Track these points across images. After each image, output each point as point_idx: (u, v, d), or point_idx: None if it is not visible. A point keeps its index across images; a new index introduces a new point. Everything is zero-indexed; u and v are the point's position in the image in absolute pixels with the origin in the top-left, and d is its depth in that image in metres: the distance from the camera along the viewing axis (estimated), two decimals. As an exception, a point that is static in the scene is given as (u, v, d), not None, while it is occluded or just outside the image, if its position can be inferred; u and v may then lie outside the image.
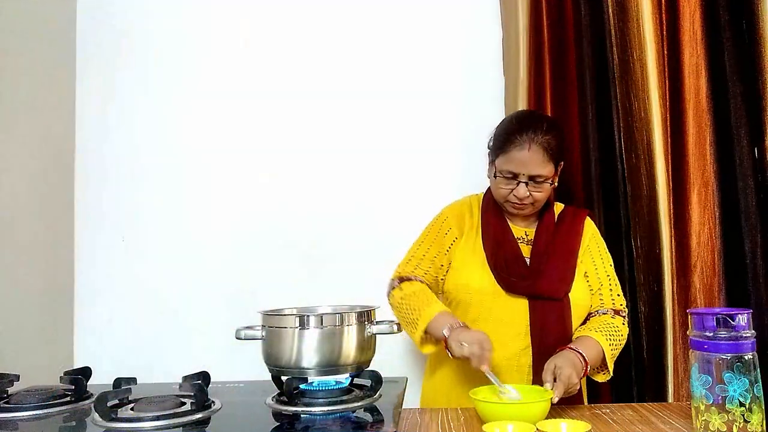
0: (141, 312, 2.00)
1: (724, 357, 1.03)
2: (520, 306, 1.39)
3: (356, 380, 1.19)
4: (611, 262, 1.52)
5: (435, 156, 1.93)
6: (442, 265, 1.49)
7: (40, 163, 1.92)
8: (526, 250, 1.46)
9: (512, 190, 1.41)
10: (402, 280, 1.47)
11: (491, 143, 1.50)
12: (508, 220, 1.49)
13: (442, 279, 1.50)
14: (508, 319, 1.39)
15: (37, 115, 1.91)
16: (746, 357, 1.03)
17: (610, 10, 1.76)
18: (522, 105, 1.80)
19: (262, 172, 2.01)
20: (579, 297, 1.42)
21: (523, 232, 1.49)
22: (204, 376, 1.23)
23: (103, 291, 2.02)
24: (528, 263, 1.44)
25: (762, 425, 1.03)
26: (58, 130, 2.02)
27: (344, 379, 1.14)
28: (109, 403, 1.03)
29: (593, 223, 1.55)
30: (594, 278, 1.47)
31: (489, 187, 1.53)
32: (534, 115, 1.54)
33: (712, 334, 1.05)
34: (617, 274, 1.60)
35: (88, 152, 2.07)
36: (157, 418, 0.98)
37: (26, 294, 1.82)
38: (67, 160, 2.05)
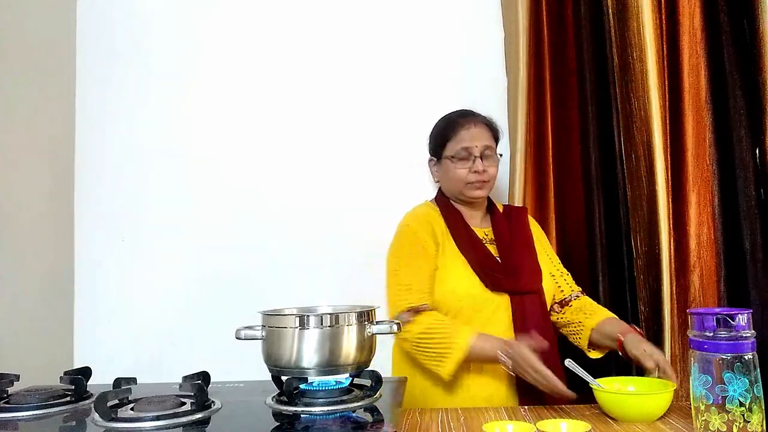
0: (141, 312, 2.00)
1: (724, 357, 1.03)
2: (503, 303, 1.45)
3: (356, 380, 1.19)
4: (553, 250, 1.65)
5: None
6: (430, 276, 1.47)
7: (40, 163, 1.92)
8: (492, 249, 1.51)
9: (469, 168, 1.50)
10: (416, 312, 1.41)
11: (432, 145, 1.60)
12: (468, 221, 1.56)
13: (433, 289, 1.48)
14: (494, 318, 1.44)
15: (37, 115, 1.91)
16: (746, 357, 1.03)
17: (610, 10, 1.76)
18: (522, 105, 1.80)
19: (263, 172, 2.02)
20: (547, 287, 1.51)
21: (483, 232, 1.55)
22: (204, 376, 1.23)
23: (103, 291, 2.02)
24: (499, 261, 1.50)
25: (762, 425, 1.03)
26: (57, 130, 2.02)
27: (344, 379, 1.14)
28: (109, 403, 1.03)
29: (532, 217, 1.67)
30: (553, 268, 1.58)
31: (437, 196, 1.60)
32: (469, 110, 1.62)
33: (712, 334, 1.05)
34: (617, 274, 1.68)
35: (88, 152, 2.07)
36: (157, 418, 0.98)
37: (26, 294, 1.82)
38: (67, 160, 2.05)
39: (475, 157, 1.49)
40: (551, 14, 1.84)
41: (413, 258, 1.47)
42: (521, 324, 1.42)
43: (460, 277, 1.46)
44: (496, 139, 1.57)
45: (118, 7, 2.10)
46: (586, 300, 1.57)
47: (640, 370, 1.67)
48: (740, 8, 1.67)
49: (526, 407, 1.32)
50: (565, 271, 1.62)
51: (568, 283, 1.59)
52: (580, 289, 1.60)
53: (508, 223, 1.58)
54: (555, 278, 1.57)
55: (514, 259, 1.49)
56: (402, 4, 2.03)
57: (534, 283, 1.48)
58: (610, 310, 1.72)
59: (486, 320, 1.43)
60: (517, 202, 1.78)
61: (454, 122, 1.54)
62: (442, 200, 1.59)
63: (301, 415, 1.04)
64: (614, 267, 1.75)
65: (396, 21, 2.02)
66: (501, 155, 1.57)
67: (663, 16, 1.73)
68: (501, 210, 1.63)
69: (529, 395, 1.37)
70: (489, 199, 1.62)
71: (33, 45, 1.89)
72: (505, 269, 1.47)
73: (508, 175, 1.84)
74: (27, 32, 1.87)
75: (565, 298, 1.57)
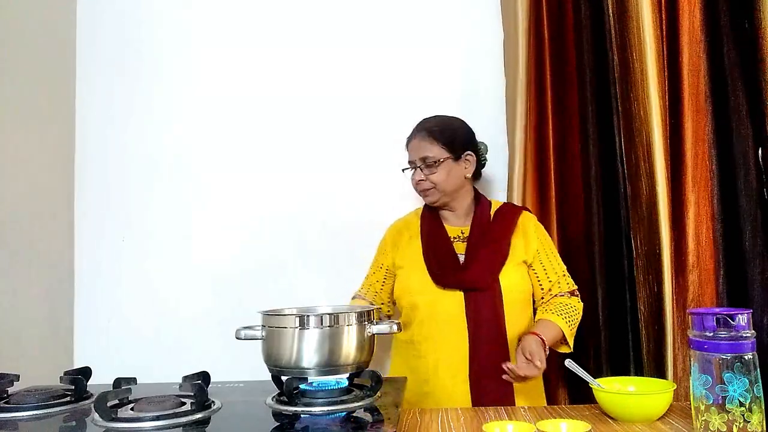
0: (141, 312, 2.00)
1: (724, 357, 1.03)
2: (456, 299, 1.48)
3: (356, 380, 1.19)
4: (555, 250, 1.64)
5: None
6: (377, 281, 1.67)
7: (41, 163, 1.92)
8: (462, 248, 1.56)
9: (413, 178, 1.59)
10: (353, 298, 1.67)
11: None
12: (443, 221, 1.61)
13: (380, 290, 1.66)
14: (448, 315, 1.49)
15: (38, 115, 1.91)
16: (746, 357, 1.03)
17: (610, 10, 1.76)
18: (521, 105, 1.80)
19: (263, 173, 2.02)
20: (512, 284, 1.51)
21: (459, 231, 1.59)
22: (204, 376, 1.23)
23: (103, 291, 2.02)
24: (461, 259, 1.54)
25: (762, 425, 1.03)
26: (58, 131, 2.02)
27: (344, 379, 1.14)
28: (109, 403, 1.03)
29: (533, 216, 1.66)
30: (540, 267, 1.57)
31: None
32: (431, 116, 1.65)
33: (712, 334, 1.05)
34: (616, 274, 1.67)
35: (88, 152, 2.07)
36: (157, 418, 0.98)
37: (26, 294, 1.82)
38: (67, 160, 2.05)
39: (415, 167, 1.58)
40: (551, 14, 1.84)
41: (372, 263, 1.71)
42: (472, 321, 1.47)
43: (415, 274, 1.54)
44: (447, 144, 1.55)
45: (118, 7, 2.10)
46: (555, 301, 1.56)
47: (639, 371, 1.68)
48: (740, 8, 1.66)
49: (526, 407, 1.33)
50: (558, 270, 1.59)
51: (552, 282, 1.57)
52: (570, 290, 1.58)
53: (491, 220, 1.59)
54: (536, 273, 1.57)
55: (474, 256, 1.52)
56: (401, 5, 2.02)
57: (483, 280, 1.49)
58: (609, 309, 1.74)
59: (441, 316, 1.49)
60: (516, 201, 1.78)
61: (408, 136, 1.63)
62: (425, 205, 1.68)
63: (301, 415, 1.04)
64: (614, 267, 1.75)
65: (395, 21, 2.02)
66: (449, 158, 1.55)
67: (663, 16, 1.73)
68: (496, 207, 1.63)
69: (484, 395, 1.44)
70: (479, 197, 1.64)
71: (33, 45, 1.89)
72: (461, 267, 1.52)
73: (506, 174, 1.84)
74: (27, 33, 1.87)
75: (550, 293, 1.58)
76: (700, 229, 1.68)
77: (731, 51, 1.67)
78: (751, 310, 1.07)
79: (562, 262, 1.62)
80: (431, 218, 1.63)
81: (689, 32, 1.71)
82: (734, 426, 1.02)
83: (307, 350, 1.11)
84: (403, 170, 1.63)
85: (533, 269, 1.57)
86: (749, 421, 1.01)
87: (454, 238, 1.58)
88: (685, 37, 1.70)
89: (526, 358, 1.37)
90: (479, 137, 1.68)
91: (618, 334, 1.73)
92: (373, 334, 1.17)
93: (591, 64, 1.80)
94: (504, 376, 1.38)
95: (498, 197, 1.85)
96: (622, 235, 1.74)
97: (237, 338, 1.16)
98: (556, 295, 1.57)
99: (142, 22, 2.10)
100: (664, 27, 1.73)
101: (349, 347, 1.13)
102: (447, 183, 1.56)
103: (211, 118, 2.05)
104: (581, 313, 1.57)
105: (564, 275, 1.60)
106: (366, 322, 1.15)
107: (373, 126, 1.99)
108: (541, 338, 1.42)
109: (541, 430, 1.05)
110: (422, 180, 1.56)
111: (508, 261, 1.52)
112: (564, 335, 1.50)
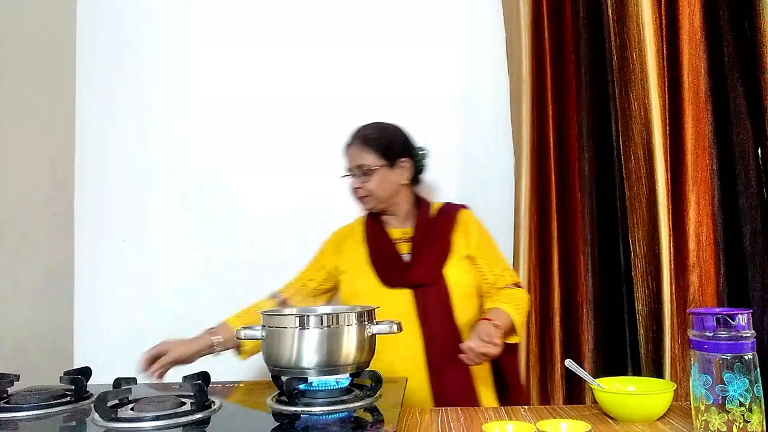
0: (141, 312, 2.00)
1: (724, 357, 1.03)
2: (404, 297, 1.51)
3: (356, 380, 1.19)
4: (495, 245, 1.64)
5: (436, 159, 1.92)
6: (311, 279, 1.65)
7: (41, 163, 1.92)
8: (405, 248, 1.58)
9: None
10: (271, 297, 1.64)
11: None
12: (386, 225, 1.63)
13: (316, 287, 1.65)
14: (398, 314, 1.46)
15: (38, 115, 1.91)
16: (746, 357, 1.03)
17: (609, 10, 1.76)
18: (525, 104, 1.80)
19: (263, 173, 2.02)
20: (457, 278, 1.53)
21: (401, 232, 1.62)
22: (204, 376, 1.23)
23: (103, 291, 2.02)
24: (406, 258, 1.56)
25: (762, 425, 1.03)
26: (58, 131, 2.02)
27: (344, 379, 1.14)
28: (109, 403, 1.03)
29: (471, 213, 1.65)
30: (483, 262, 1.58)
31: None
32: (368, 123, 1.65)
33: (712, 334, 1.05)
34: (615, 275, 1.67)
35: (88, 152, 2.07)
36: (157, 418, 0.98)
37: (26, 294, 1.82)
38: (68, 160, 2.05)
39: (352, 176, 1.59)
40: (551, 13, 1.84)
41: (311, 263, 1.69)
42: (423, 317, 1.49)
43: (359, 278, 1.57)
44: (382, 152, 1.57)
45: (118, 7, 2.10)
46: (503, 292, 1.57)
47: (637, 370, 1.68)
48: (740, 8, 1.66)
49: (526, 407, 1.33)
50: (502, 264, 1.61)
51: (496, 275, 1.58)
52: (515, 282, 1.59)
53: (431, 220, 1.61)
54: (480, 268, 1.58)
55: (418, 254, 1.55)
56: (401, 5, 2.02)
57: (428, 276, 1.52)
58: (606, 310, 1.73)
59: (390, 315, 1.45)
60: (524, 198, 1.78)
61: (346, 142, 1.63)
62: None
63: (301, 415, 1.04)
64: (612, 267, 1.75)
65: (395, 22, 2.02)
66: (384, 165, 1.56)
67: (663, 16, 1.73)
68: (437, 208, 1.64)
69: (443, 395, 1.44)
70: (419, 199, 1.65)
71: (33, 45, 1.89)
72: (406, 265, 1.54)
73: (505, 173, 1.84)
74: (27, 33, 1.87)
75: (495, 285, 1.58)
76: (700, 229, 1.68)
77: (731, 51, 1.67)
78: (751, 310, 1.07)
79: (503, 257, 1.65)
80: (374, 223, 1.64)
81: (689, 32, 1.70)
82: (734, 426, 1.02)
83: (307, 350, 1.11)
84: (341, 177, 1.63)
85: (477, 265, 1.58)
86: (749, 421, 1.01)
87: (398, 239, 1.60)
88: (685, 37, 1.70)
89: (483, 340, 1.35)
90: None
91: (616, 334, 1.73)
92: (373, 334, 1.17)
93: (589, 63, 1.79)
94: (461, 356, 1.34)
95: (498, 196, 1.85)
96: (621, 236, 1.74)
97: (237, 338, 1.16)
98: (501, 288, 1.58)
99: (142, 22, 2.10)
100: (664, 27, 1.73)
101: (349, 347, 1.13)
102: (381, 190, 1.57)
103: (211, 118, 2.05)
104: (528, 305, 1.58)
105: (507, 269, 1.62)
106: (366, 322, 1.15)
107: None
108: (495, 323, 1.41)
109: (541, 430, 1.05)
110: (358, 188, 1.57)
111: (451, 256, 1.55)
112: (513, 325, 1.49)
